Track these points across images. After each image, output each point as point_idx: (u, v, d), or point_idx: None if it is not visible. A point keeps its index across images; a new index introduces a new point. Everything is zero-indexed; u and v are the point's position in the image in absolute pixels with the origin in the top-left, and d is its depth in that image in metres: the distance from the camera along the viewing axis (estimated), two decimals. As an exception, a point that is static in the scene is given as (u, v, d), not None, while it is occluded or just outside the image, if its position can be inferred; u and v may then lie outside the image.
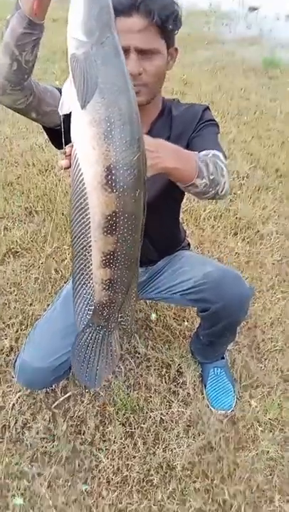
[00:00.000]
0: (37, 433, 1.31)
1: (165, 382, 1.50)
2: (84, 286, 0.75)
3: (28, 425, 1.33)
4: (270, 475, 1.29)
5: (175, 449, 1.31)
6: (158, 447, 1.31)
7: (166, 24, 0.93)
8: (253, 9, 8.83)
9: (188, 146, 1.12)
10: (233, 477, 1.27)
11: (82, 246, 0.70)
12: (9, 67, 0.84)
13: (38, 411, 1.37)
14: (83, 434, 1.33)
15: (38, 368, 1.16)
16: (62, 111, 0.67)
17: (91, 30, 0.65)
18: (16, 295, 1.76)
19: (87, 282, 0.74)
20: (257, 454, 1.33)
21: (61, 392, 1.42)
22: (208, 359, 1.52)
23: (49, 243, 2.04)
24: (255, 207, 2.52)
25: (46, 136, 1.12)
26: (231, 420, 1.42)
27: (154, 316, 1.73)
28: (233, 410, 1.44)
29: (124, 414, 1.39)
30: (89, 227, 0.68)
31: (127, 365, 1.55)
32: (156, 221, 1.27)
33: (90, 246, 0.70)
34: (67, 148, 0.71)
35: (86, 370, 0.90)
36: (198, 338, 1.45)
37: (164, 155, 0.80)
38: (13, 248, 1.98)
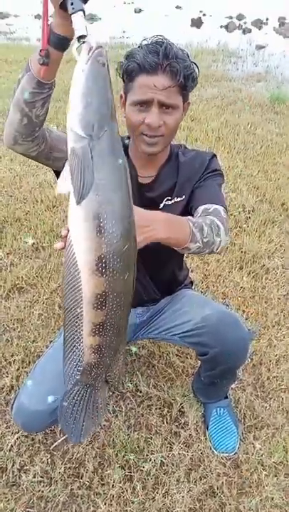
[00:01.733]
0: (34, 476, 1.29)
1: (166, 422, 1.47)
2: (74, 349, 0.79)
3: (26, 468, 1.31)
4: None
5: (175, 494, 1.27)
6: (157, 492, 1.27)
7: (187, 84, 1.04)
8: (260, 47, 9.15)
9: (192, 193, 1.19)
10: (236, 526, 1.22)
11: (74, 315, 0.75)
12: (20, 121, 0.90)
13: (36, 452, 1.34)
14: (81, 478, 1.30)
15: (35, 411, 1.15)
16: (59, 191, 0.72)
17: (88, 124, 0.68)
18: (19, 332, 1.77)
19: (77, 345, 0.79)
20: (261, 500, 1.27)
21: (60, 433, 1.40)
22: (210, 399, 1.48)
23: (54, 279, 2.07)
24: (261, 241, 2.53)
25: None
26: (234, 463, 1.37)
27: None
28: (236, 453, 1.39)
29: (123, 457, 1.35)
30: (81, 301, 0.73)
31: (128, 403, 1.53)
32: (159, 263, 1.29)
33: (81, 316, 0.75)
34: (62, 231, 0.75)
35: (72, 426, 0.93)
36: (199, 377, 1.43)
37: (157, 227, 0.86)
38: (18, 284, 2.01)
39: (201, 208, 1.10)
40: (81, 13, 0.72)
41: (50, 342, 1.72)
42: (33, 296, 1.97)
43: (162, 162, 1.20)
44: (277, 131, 4.24)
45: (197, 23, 12.98)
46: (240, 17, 14.65)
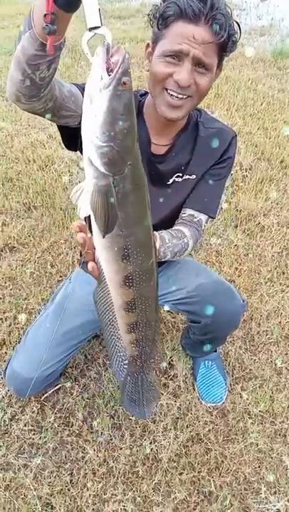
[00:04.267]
0: (25, 425, 1.32)
1: (156, 374, 1.50)
2: (116, 347, 0.88)
3: (17, 417, 1.34)
4: (259, 467, 1.27)
5: (162, 441, 1.31)
6: (145, 439, 1.31)
7: (228, 45, 0.91)
8: (265, -1, 8.66)
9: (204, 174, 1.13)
10: (220, 469, 1.26)
11: (109, 319, 0.82)
12: (21, 82, 0.75)
13: (26, 403, 1.38)
14: (71, 426, 1.34)
15: (28, 379, 1.18)
16: (81, 215, 0.70)
17: (112, 162, 0.60)
18: (10, 289, 1.77)
19: (118, 344, 0.88)
20: (246, 446, 1.31)
21: (51, 386, 1.43)
22: (198, 354, 1.50)
23: (46, 238, 2.05)
24: (258, 199, 2.48)
25: (48, 133, 1.08)
26: (221, 412, 1.40)
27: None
28: (223, 403, 1.42)
29: (112, 407, 1.39)
30: (112, 304, 0.80)
31: (118, 357, 1.55)
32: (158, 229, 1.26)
33: (115, 319, 0.82)
34: (76, 227, 0.72)
35: (136, 408, 1.03)
36: (188, 335, 1.43)
37: None
38: (10, 243, 2.00)
39: (188, 212, 1.11)
40: None
41: (42, 300, 1.73)
42: (25, 255, 1.97)
43: (180, 128, 1.08)
44: (279, 87, 4.07)
45: (200, -27, 12.23)
46: None
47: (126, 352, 0.90)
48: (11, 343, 1.56)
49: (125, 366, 0.92)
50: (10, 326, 1.62)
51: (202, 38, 0.86)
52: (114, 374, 0.93)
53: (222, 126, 1.13)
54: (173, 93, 0.92)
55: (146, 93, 1.08)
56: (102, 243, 0.70)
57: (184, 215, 1.09)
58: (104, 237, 0.67)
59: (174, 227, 1.08)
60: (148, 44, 0.97)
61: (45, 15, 0.62)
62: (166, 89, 0.92)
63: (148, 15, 0.95)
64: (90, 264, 0.75)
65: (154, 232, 0.97)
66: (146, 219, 0.72)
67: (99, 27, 0.59)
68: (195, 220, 1.10)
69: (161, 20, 0.89)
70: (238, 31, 0.92)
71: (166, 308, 1.32)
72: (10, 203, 2.25)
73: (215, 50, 0.89)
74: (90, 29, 0.60)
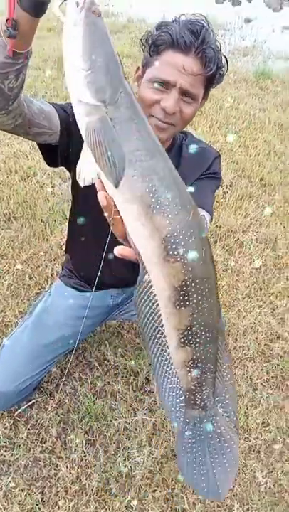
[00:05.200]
0: (-4, 440, 1.30)
1: (132, 389, 1.49)
2: (167, 375, 0.64)
3: (-11, 432, 1.32)
4: (232, 483, 1.27)
5: (136, 457, 1.30)
6: (119, 456, 1.30)
7: (215, 78, 0.94)
8: (248, 20, 8.94)
9: None
10: (194, 487, 1.25)
11: (153, 328, 0.60)
12: None
13: (-1, 418, 1.35)
14: (44, 442, 1.31)
15: (1, 393, 1.17)
16: (85, 182, 0.59)
17: (100, 88, 0.55)
18: (-13, 301, 1.75)
19: (168, 370, 0.64)
20: (220, 463, 1.31)
21: (25, 401, 1.40)
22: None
23: (25, 250, 2.04)
24: (237, 215, 2.53)
25: (31, 143, 1.07)
26: (197, 429, 1.40)
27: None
28: (199, 419, 1.42)
29: (87, 422, 1.37)
30: (157, 305, 0.59)
31: (95, 372, 1.54)
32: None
33: (162, 326, 0.60)
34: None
35: (202, 479, 0.70)
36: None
37: None
38: (-12, 254, 1.98)
39: None
40: None
41: (19, 312, 1.71)
42: (3, 266, 1.95)
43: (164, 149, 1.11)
44: (261, 107, 4.19)
45: (186, -7, 12.56)
46: (230, -11, 14.22)
47: (180, 384, 0.65)
48: (-15, 356, 1.53)
49: (182, 405, 0.65)
50: (-15, 338, 1.60)
51: (191, 70, 0.89)
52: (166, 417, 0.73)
53: (205, 146, 1.16)
54: (158, 119, 0.95)
55: None
56: (120, 198, 0.55)
57: None
58: (117, 186, 0.54)
59: None
60: (138, 67, 1.00)
61: (6, 20, 0.66)
62: (152, 115, 0.95)
63: (140, 39, 0.99)
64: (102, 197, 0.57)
65: None
66: (160, 151, 0.58)
67: None
68: (200, 215, 1.04)
69: (153, 47, 0.92)
70: (226, 65, 0.96)
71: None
72: (-10, 214, 2.24)
73: (202, 81, 0.93)
74: None
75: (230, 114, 3.94)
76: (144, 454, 1.30)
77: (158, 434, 1.37)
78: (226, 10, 10.01)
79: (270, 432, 1.40)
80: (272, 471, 1.31)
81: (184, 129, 1.17)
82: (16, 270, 1.93)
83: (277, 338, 1.77)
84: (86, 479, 1.24)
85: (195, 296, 0.57)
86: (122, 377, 1.53)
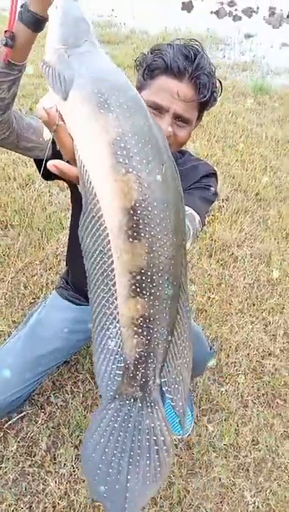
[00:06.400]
0: (-15, 453, 1.29)
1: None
2: (108, 333, 0.50)
3: (-22, 444, 1.31)
4: (220, 502, 1.27)
5: (126, 473, 1.29)
6: (109, 471, 1.29)
7: (208, 103, 0.96)
8: (248, 36, 9.07)
9: None
10: (182, 504, 1.25)
11: (101, 270, 0.48)
12: None
13: (-11, 430, 1.34)
14: (33, 456, 1.31)
15: None
16: (45, 134, 0.55)
17: (64, 36, 0.55)
18: (-20, 310, 1.74)
19: (111, 327, 0.50)
20: (208, 480, 1.31)
21: (15, 412, 1.40)
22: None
23: (21, 258, 2.04)
24: (232, 229, 2.55)
25: None
26: (187, 445, 1.41)
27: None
28: (189, 435, 1.42)
29: (77, 436, 1.37)
30: (108, 241, 0.47)
31: (86, 385, 1.53)
32: None
33: (112, 270, 0.48)
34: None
35: (107, 480, 0.51)
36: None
37: None
38: (-17, 262, 1.98)
39: None
40: None
41: (13, 322, 1.71)
42: (-2, 274, 1.95)
43: None
44: (258, 122, 4.24)
45: (188, 6, 12.74)
46: (231, 4, 14.46)
47: (122, 348, 0.50)
48: (-23, 366, 1.52)
49: (117, 378, 0.50)
50: (-23, 348, 1.59)
51: (184, 95, 0.90)
52: (97, 386, 0.53)
53: (200, 164, 1.14)
54: None
55: None
56: (68, 106, 0.49)
57: None
58: (65, 98, 0.48)
59: None
60: None
61: (5, 31, 0.71)
62: None
63: (135, 61, 1.00)
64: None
65: None
66: (115, 69, 0.53)
67: None
68: (188, 212, 0.98)
69: (148, 71, 0.94)
70: (220, 89, 0.97)
71: None
72: (-14, 221, 2.24)
73: (196, 106, 0.95)
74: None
75: (228, 128, 3.98)
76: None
77: (148, 449, 1.36)
78: (227, 25, 10.16)
79: (260, 451, 1.40)
80: (260, 491, 1.31)
81: (183, 149, 1.18)
82: (11, 278, 1.92)
83: (269, 354, 1.78)
84: (74, 495, 1.23)
85: (152, 224, 0.45)
86: (114, 390, 1.53)
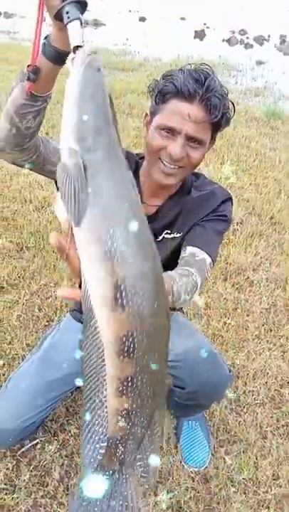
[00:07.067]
0: (-3, 482, 1.25)
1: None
2: (96, 416, 0.59)
3: (-11, 473, 1.27)
4: None
5: (141, 508, 1.24)
6: (123, 505, 1.24)
7: (221, 124, 0.97)
8: (260, 63, 9.26)
9: (189, 230, 1.10)
10: None
11: (96, 367, 0.58)
12: (8, 130, 0.83)
13: (1, 458, 1.31)
14: (46, 486, 1.27)
15: (3, 430, 1.14)
16: (59, 215, 0.58)
17: (82, 136, 0.56)
18: (-5, 332, 1.74)
19: (99, 411, 0.59)
20: (228, 518, 1.25)
21: (28, 440, 1.37)
22: (182, 415, 1.46)
23: (36, 280, 2.04)
24: (247, 253, 2.53)
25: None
26: (204, 478, 1.35)
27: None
28: (206, 467, 1.37)
29: (91, 466, 1.32)
30: (102, 350, 0.57)
31: (101, 412, 1.50)
32: None
33: (104, 369, 0.57)
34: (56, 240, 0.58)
35: None
36: (174, 394, 1.40)
37: None
38: (-1, 284, 1.98)
39: (189, 250, 1.02)
40: (77, 22, 0.64)
41: (27, 345, 1.70)
42: (14, 296, 1.94)
43: (172, 193, 1.11)
44: (271, 146, 4.27)
45: (200, 35, 13.11)
46: (242, 32, 14.84)
47: (107, 428, 0.59)
48: (-10, 390, 1.50)
49: (100, 452, 0.60)
50: (-9, 371, 1.57)
51: (195, 117, 0.92)
52: (82, 460, 0.62)
53: (216, 188, 1.14)
54: (165, 163, 0.98)
55: (143, 157, 1.11)
56: (81, 236, 0.53)
57: (184, 255, 1.03)
58: (77, 224, 0.52)
59: (178, 267, 0.99)
60: (146, 114, 1.04)
61: (28, 65, 0.72)
62: (160, 159, 0.98)
63: (148, 86, 1.03)
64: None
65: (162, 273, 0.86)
66: (130, 196, 0.55)
67: (82, 46, 0.63)
68: (197, 258, 1.01)
69: (159, 96, 0.97)
70: (232, 110, 0.99)
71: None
72: (3, 242, 2.25)
73: (208, 127, 0.96)
74: (74, 49, 0.63)
75: (241, 152, 4.01)
76: (148, 505, 1.25)
77: (164, 482, 1.32)
78: (238, 52, 10.40)
79: (281, 486, 1.34)
80: (282, 529, 1.25)
81: (197, 171, 1.17)
82: (25, 301, 1.92)
83: (288, 383, 1.72)
84: (88, 529, 1.18)
85: (140, 349, 0.54)
86: (129, 418, 1.49)
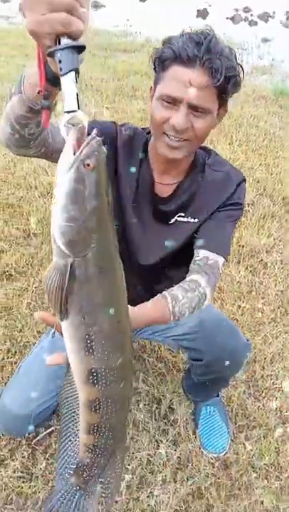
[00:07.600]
0: (14, 471, 1.23)
1: (155, 419, 1.42)
2: (69, 442, 0.74)
3: (6, 462, 1.25)
4: None
5: (161, 494, 1.22)
6: (142, 492, 1.22)
7: (227, 87, 0.88)
8: (265, 40, 9.01)
9: (204, 221, 1.07)
10: (223, 530, 1.16)
11: (71, 407, 0.71)
12: (11, 135, 0.77)
13: (16, 447, 1.29)
14: (63, 474, 1.24)
15: (18, 415, 1.11)
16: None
17: (71, 242, 0.57)
18: (5, 320, 1.70)
19: (73, 439, 0.74)
20: (250, 503, 1.22)
21: (43, 427, 1.34)
22: (200, 398, 1.42)
23: (44, 267, 1.99)
24: (260, 235, 2.46)
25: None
26: (224, 464, 1.32)
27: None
28: (226, 453, 1.34)
29: (108, 453, 1.30)
30: (77, 399, 0.70)
31: (116, 399, 1.47)
32: (161, 279, 1.20)
33: (78, 412, 0.71)
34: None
35: None
36: (190, 376, 1.36)
37: (136, 325, 0.80)
38: (7, 271, 1.94)
39: (202, 253, 1.00)
40: (72, 74, 0.56)
41: (38, 332, 1.66)
42: (23, 284, 1.90)
43: (185, 169, 1.06)
44: (281, 125, 4.15)
45: (203, 13, 12.78)
46: (246, 9, 14.44)
47: (77, 454, 0.74)
48: (3, 378, 1.48)
49: (70, 471, 0.75)
50: (3, 359, 1.54)
51: (197, 83, 0.85)
52: (56, 475, 0.76)
53: (230, 169, 1.09)
54: (169, 136, 0.91)
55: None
56: (63, 325, 0.63)
57: (197, 258, 1.02)
58: (62, 320, 0.61)
59: (187, 277, 0.97)
60: (151, 87, 0.97)
61: (38, 91, 0.63)
62: (164, 133, 0.92)
63: (151, 56, 0.95)
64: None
65: (165, 292, 0.88)
66: (113, 308, 0.63)
67: (75, 111, 0.57)
68: (210, 262, 1.00)
69: (159, 63, 0.90)
70: (241, 72, 0.89)
71: (167, 345, 1.24)
72: (9, 230, 2.21)
73: (213, 92, 0.88)
74: (67, 112, 0.58)
75: (250, 131, 3.91)
76: (168, 491, 1.22)
77: (183, 469, 1.29)
78: (243, 30, 10.13)
79: (304, 471, 1.31)
80: (306, 515, 1.22)
81: (207, 146, 1.12)
82: (35, 288, 1.88)
83: (307, 366, 1.68)
84: (107, 517, 1.16)
85: (106, 409, 0.69)
86: (144, 404, 1.46)
